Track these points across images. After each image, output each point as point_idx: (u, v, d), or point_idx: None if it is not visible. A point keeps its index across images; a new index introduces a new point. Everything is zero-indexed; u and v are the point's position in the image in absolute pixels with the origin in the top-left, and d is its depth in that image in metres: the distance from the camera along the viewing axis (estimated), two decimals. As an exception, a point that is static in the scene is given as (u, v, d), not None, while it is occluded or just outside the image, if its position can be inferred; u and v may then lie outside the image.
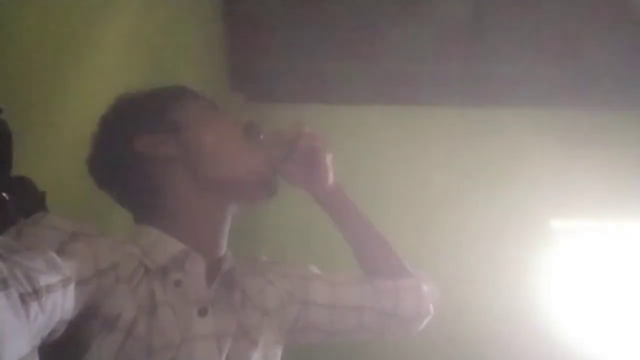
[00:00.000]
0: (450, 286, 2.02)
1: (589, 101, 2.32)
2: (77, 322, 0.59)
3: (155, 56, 1.28)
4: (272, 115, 2.07)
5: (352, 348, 1.83)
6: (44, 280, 0.50)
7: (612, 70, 2.27)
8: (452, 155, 2.27)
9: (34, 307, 0.48)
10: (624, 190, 2.15)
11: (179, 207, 0.80)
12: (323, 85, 2.32)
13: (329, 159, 0.88)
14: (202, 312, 0.72)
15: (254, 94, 2.34)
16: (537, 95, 2.35)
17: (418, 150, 2.27)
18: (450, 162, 2.25)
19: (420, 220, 2.14)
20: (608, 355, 2.04)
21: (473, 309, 1.98)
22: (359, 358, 1.87)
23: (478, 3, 2.07)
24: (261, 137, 0.85)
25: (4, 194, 0.67)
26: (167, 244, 0.74)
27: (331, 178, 0.89)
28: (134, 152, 0.80)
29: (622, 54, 2.21)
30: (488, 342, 1.93)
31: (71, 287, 0.56)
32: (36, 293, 0.48)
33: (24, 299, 0.47)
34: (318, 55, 2.24)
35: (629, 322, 2.06)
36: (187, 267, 0.74)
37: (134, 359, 0.64)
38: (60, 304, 0.53)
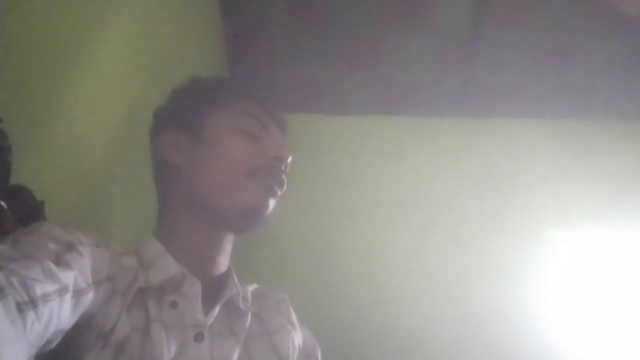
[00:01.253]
0: (448, 294, 2.03)
1: (588, 110, 2.33)
2: (73, 333, 0.59)
3: (155, 64, 1.28)
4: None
5: (356, 350, 1.84)
6: (40, 289, 0.50)
7: (611, 79, 2.27)
8: (451, 164, 2.27)
9: (30, 316, 0.48)
10: (623, 199, 2.15)
11: (173, 221, 0.80)
12: (322, 95, 2.33)
13: None
14: (199, 338, 0.70)
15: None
16: (536, 104, 2.35)
17: (417, 160, 2.27)
18: (449, 171, 2.25)
19: (418, 230, 2.14)
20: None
21: (470, 317, 1.98)
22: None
23: (477, 12, 2.08)
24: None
25: (2, 203, 0.67)
26: (166, 264, 0.73)
27: None
28: (156, 148, 0.83)
29: (621, 62, 2.21)
30: (485, 350, 1.92)
31: (68, 297, 0.55)
32: (33, 302, 0.48)
33: (20, 307, 0.47)
34: (317, 65, 2.25)
35: (627, 330, 2.05)
36: (184, 290, 0.72)
37: None
38: (57, 313, 0.53)
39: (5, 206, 0.68)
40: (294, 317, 0.88)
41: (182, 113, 0.84)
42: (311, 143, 2.13)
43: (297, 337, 0.86)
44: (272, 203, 0.80)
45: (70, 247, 0.61)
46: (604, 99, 2.31)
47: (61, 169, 0.88)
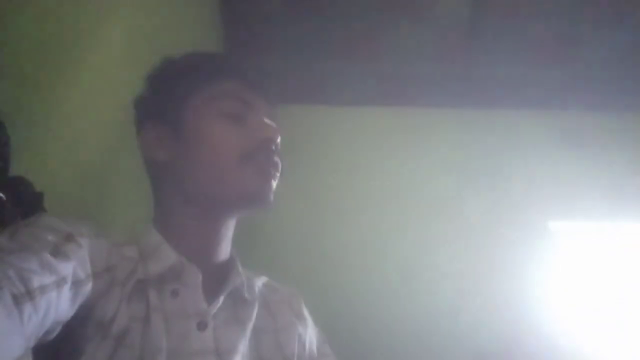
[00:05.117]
0: (449, 287, 2.04)
1: (588, 102, 2.32)
2: (72, 324, 0.59)
3: (154, 58, 1.28)
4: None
5: (357, 348, 1.84)
6: (37, 281, 0.50)
7: (611, 71, 2.27)
8: (451, 157, 2.26)
9: (27, 308, 0.48)
10: (623, 191, 2.15)
11: (168, 213, 0.78)
12: (321, 87, 2.32)
13: None
14: (201, 326, 0.69)
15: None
16: (536, 96, 2.35)
17: (416, 152, 2.27)
18: (448, 163, 2.25)
19: (418, 222, 2.14)
20: (607, 357, 2.04)
21: (471, 310, 1.98)
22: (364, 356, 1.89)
23: (476, 4, 2.07)
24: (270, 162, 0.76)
25: (1, 194, 0.67)
26: (164, 254, 0.72)
27: None
28: (142, 147, 0.80)
29: (621, 55, 2.21)
30: (487, 344, 1.93)
31: (66, 288, 0.56)
32: (29, 294, 0.49)
33: (17, 300, 0.47)
34: (316, 56, 2.24)
35: (628, 323, 2.05)
36: (184, 279, 0.71)
37: None
38: (55, 304, 0.53)
39: (5, 197, 0.68)
40: (305, 311, 0.86)
41: (160, 103, 0.80)
42: (309, 135, 2.12)
43: (306, 333, 0.84)
44: (273, 184, 0.77)
45: (69, 238, 0.60)
46: (604, 90, 2.31)
47: (60, 161, 0.89)
